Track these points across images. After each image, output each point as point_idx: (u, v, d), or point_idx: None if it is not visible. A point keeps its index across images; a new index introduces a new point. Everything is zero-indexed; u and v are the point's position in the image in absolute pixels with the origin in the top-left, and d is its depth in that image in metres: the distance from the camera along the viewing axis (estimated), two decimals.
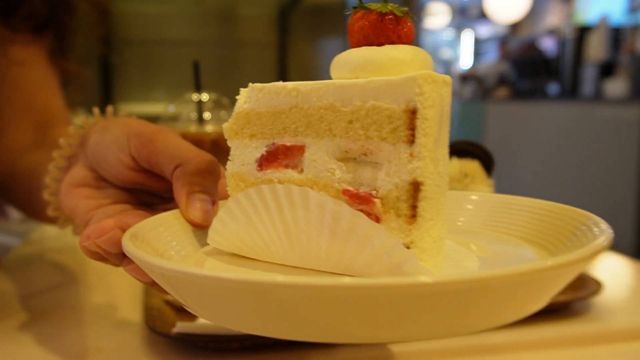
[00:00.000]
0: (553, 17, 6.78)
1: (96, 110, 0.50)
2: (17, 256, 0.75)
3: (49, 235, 0.91)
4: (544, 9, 6.90)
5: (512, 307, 0.27)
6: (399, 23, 0.30)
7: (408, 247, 0.28)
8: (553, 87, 5.38)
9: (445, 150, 0.31)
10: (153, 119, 1.48)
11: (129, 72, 1.48)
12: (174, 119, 0.80)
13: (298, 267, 0.31)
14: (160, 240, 0.33)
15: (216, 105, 0.82)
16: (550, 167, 4.56)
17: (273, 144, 0.32)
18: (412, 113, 0.28)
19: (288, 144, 0.31)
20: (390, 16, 0.30)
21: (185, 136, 0.77)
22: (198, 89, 0.80)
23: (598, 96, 4.49)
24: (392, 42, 0.30)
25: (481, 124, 5.56)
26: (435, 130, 0.29)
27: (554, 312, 0.54)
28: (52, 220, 0.50)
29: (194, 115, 0.80)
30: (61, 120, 0.72)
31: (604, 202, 3.92)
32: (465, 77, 7.02)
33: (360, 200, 0.29)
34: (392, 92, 0.28)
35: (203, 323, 0.47)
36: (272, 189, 0.28)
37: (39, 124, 0.71)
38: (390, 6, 0.30)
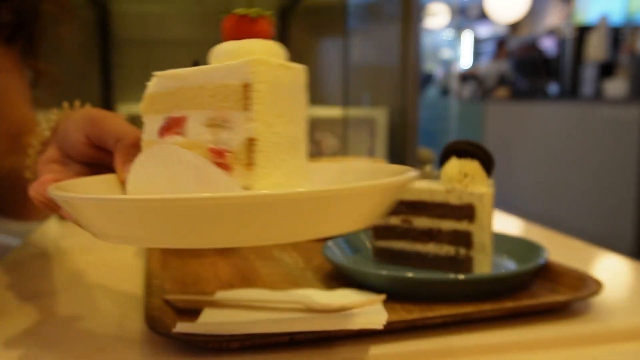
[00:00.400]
0: (553, 17, 6.78)
1: (66, 104, 0.60)
2: (17, 256, 0.75)
3: (49, 235, 0.91)
4: (544, 9, 6.90)
5: (300, 224, 0.35)
6: (254, 23, 0.41)
7: (247, 188, 0.38)
8: (553, 87, 5.37)
9: (293, 119, 0.40)
10: None
11: (129, 72, 1.48)
12: None
13: None
14: (83, 189, 0.44)
15: None
16: (550, 167, 4.56)
17: (168, 117, 0.42)
18: (247, 87, 0.38)
19: (176, 116, 0.42)
20: (244, 16, 0.41)
21: None
22: None
23: (598, 96, 4.49)
24: (249, 37, 0.41)
25: (481, 124, 5.56)
26: (269, 101, 0.38)
27: (554, 312, 0.54)
28: (32, 216, 0.61)
29: None
30: (33, 128, 0.74)
31: (604, 202, 3.92)
32: (465, 77, 7.02)
33: (218, 155, 0.39)
34: (234, 72, 0.38)
35: (203, 323, 0.48)
36: (155, 150, 0.39)
37: (14, 133, 0.74)
38: (248, 10, 0.41)
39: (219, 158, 0.39)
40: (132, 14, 1.51)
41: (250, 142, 0.38)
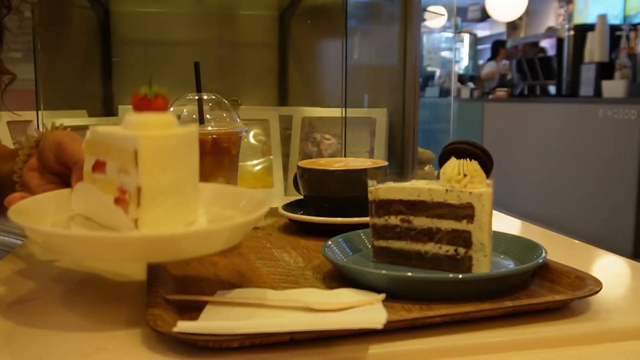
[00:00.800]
0: (552, 17, 6.78)
1: (51, 123, 0.75)
2: (17, 256, 0.75)
3: None
4: (544, 9, 6.90)
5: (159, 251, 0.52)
6: (151, 101, 0.54)
7: (136, 220, 0.53)
8: (552, 87, 5.37)
9: (176, 170, 0.54)
10: None
11: (129, 72, 1.48)
12: None
13: (94, 219, 0.59)
14: (48, 206, 0.61)
15: (216, 105, 0.82)
16: (549, 167, 4.56)
17: (96, 159, 0.57)
18: (135, 152, 0.51)
19: (101, 159, 0.57)
20: (144, 96, 0.54)
21: None
22: (198, 89, 0.81)
23: (597, 96, 4.49)
24: (147, 110, 0.54)
25: (480, 124, 5.56)
26: (152, 161, 0.52)
27: (553, 311, 0.54)
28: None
29: (194, 115, 0.80)
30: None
31: (603, 203, 3.92)
32: (465, 78, 7.01)
33: (122, 193, 0.54)
34: (129, 140, 0.52)
35: (204, 323, 0.48)
36: (84, 185, 0.59)
37: None
38: (148, 91, 0.54)
39: (122, 195, 0.54)
40: (132, 14, 1.51)
41: (139, 189, 0.52)
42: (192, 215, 0.57)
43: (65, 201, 0.62)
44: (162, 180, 0.53)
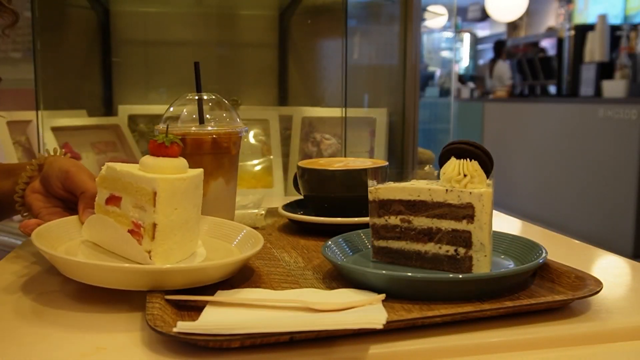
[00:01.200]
0: (553, 17, 6.78)
1: (48, 150, 0.81)
2: (18, 256, 0.75)
3: None
4: (544, 9, 6.90)
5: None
6: (167, 147, 0.62)
7: (149, 251, 0.60)
8: (552, 87, 5.37)
9: (185, 209, 0.61)
10: (154, 118, 1.47)
11: (129, 73, 1.48)
12: (174, 119, 0.80)
13: (103, 247, 0.65)
14: (59, 232, 0.67)
15: (216, 105, 0.82)
16: (550, 167, 4.56)
17: (111, 194, 0.64)
18: (154, 193, 0.59)
19: (116, 194, 0.63)
20: (161, 143, 0.62)
21: (186, 136, 0.77)
22: (198, 89, 0.81)
23: (597, 96, 4.49)
24: (161, 156, 0.62)
25: (480, 124, 5.56)
26: (167, 201, 0.59)
27: (553, 311, 0.54)
28: (16, 212, 0.79)
29: (194, 115, 0.80)
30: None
31: (603, 202, 3.92)
32: (465, 77, 7.01)
33: (136, 226, 0.61)
34: (148, 182, 0.59)
35: (204, 323, 0.48)
36: (100, 217, 0.65)
37: None
38: (163, 137, 0.62)
39: (137, 228, 0.61)
40: (132, 14, 1.51)
41: (154, 225, 0.59)
42: (194, 247, 0.65)
43: (73, 227, 0.69)
44: (174, 218, 0.60)
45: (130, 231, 0.61)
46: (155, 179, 0.58)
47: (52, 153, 0.79)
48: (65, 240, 0.67)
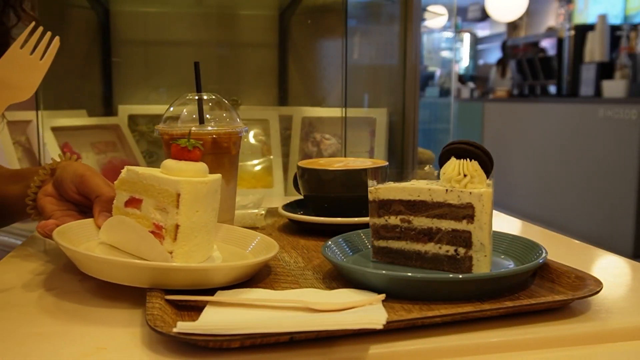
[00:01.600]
0: (553, 17, 6.78)
1: (60, 154, 0.81)
2: (18, 256, 0.75)
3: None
4: (544, 9, 6.90)
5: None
6: (189, 152, 0.63)
7: (171, 252, 0.61)
8: (552, 87, 5.37)
9: (206, 211, 0.63)
10: (154, 118, 1.47)
11: (129, 73, 1.48)
12: (174, 119, 0.80)
13: (121, 249, 0.66)
14: (78, 232, 0.69)
15: (216, 105, 0.82)
16: (549, 167, 4.56)
17: (131, 196, 0.66)
18: (178, 195, 0.60)
19: (136, 197, 0.65)
20: (184, 147, 0.63)
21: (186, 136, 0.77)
22: (198, 89, 0.80)
23: (597, 96, 4.48)
24: (184, 159, 0.63)
25: (480, 124, 5.56)
26: (190, 204, 0.61)
27: (553, 311, 0.54)
28: (24, 216, 0.82)
29: (194, 115, 0.80)
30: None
31: (603, 202, 3.92)
32: (465, 77, 7.01)
33: (157, 228, 0.63)
34: (172, 184, 0.61)
35: (204, 323, 0.48)
36: (120, 218, 0.65)
37: None
38: (186, 142, 0.63)
39: (158, 230, 0.62)
40: (132, 14, 1.51)
41: (177, 226, 0.61)
42: (211, 251, 0.66)
43: (91, 229, 0.70)
44: (195, 220, 0.62)
45: (151, 232, 0.62)
46: (179, 181, 0.60)
47: (64, 158, 0.80)
48: (84, 240, 0.68)
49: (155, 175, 0.63)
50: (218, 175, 0.65)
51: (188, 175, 0.62)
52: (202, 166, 0.64)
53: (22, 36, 0.67)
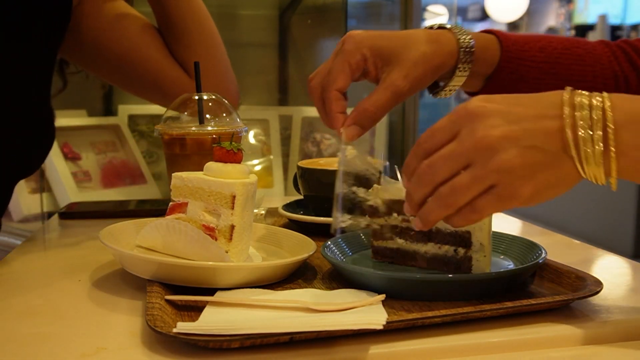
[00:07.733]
0: (553, 17, 6.78)
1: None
2: (18, 255, 0.75)
3: (50, 235, 0.91)
4: (544, 9, 6.90)
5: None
6: (234, 154, 0.64)
7: (227, 251, 0.62)
8: None
9: (250, 211, 0.66)
10: (154, 118, 1.47)
11: None
12: (174, 119, 0.80)
13: (169, 254, 0.64)
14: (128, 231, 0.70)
15: (216, 105, 0.82)
16: None
17: (174, 202, 0.66)
18: (233, 197, 0.63)
19: (181, 201, 0.66)
20: (230, 150, 0.64)
21: (186, 136, 0.77)
22: (198, 89, 0.81)
23: None
24: (229, 162, 0.64)
25: None
26: (244, 204, 0.63)
27: (553, 311, 0.54)
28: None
29: (194, 115, 0.80)
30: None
31: (603, 203, 3.92)
32: None
33: (208, 230, 0.64)
34: (226, 186, 0.63)
35: (204, 323, 0.48)
36: (168, 221, 0.63)
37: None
38: (229, 145, 0.65)
39: (209, 231, 0.63)
40: None
41: (232, 226, 0.63)
42: (249, 249, 0.68)
43: (129, 232, 0.70)
44: (245, 219, 0.64)
45: None
46: (234, 184, 0.62)
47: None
48: (124, 244, 0.67)
49: (203, 178, 0.64)
50: (255, 177, 0.67)
51: (237, 177, 0.64)
52: (244, 168, 0.65)
53: None
